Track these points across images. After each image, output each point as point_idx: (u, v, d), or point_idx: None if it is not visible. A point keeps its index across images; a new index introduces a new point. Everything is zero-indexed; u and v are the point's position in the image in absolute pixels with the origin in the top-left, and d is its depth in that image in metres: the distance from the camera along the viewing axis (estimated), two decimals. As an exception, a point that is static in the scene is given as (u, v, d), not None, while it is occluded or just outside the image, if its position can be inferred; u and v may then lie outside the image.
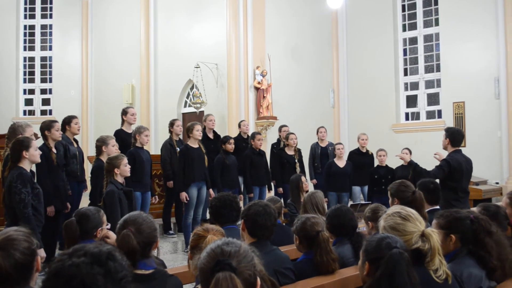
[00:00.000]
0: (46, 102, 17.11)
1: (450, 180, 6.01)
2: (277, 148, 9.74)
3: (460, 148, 6.32)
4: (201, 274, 1.75)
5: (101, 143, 6.58)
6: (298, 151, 9.36)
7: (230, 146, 8.33)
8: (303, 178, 6.88)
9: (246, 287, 1.69)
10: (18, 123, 5.99)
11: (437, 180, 5.53)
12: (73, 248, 1.50)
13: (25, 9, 17.21)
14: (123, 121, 8.19)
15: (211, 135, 8.92)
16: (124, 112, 8.21)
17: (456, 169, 6.03)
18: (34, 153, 4.87)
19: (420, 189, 4.73)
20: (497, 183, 12.13)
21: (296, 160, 9.18)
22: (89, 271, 1.42)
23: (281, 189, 9.19)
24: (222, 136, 8.87)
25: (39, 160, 5.04)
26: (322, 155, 9.95)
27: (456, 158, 6.10)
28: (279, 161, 9.26)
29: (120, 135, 7.86)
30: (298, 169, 9.05)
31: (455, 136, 6.24)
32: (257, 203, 3.57)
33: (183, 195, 7.63)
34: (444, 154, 6.36)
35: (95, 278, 1.41)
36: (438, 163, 6.22)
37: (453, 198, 5.87)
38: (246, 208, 3.56)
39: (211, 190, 7.99)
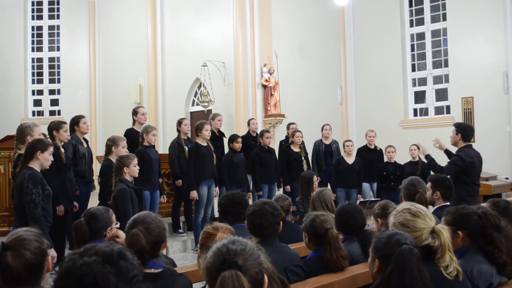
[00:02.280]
0: (54, 102, 17.20)
1: (464, 175, 5.99)
2: (285, 144, 9.72)
3: (471, 143, 6.30)
4: (208, 273, 1.75)
5: (111, 143, 6.58)
6: (304, 149, 9.33)
7: (238, 145, 8.36)
8: (315, 177, 6.83)
9: (253, 285, 1.69)
10: (26, 124, 6.01)
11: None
12: (84, 247, 1.50)
13: (33, 10, 17.29)
14: (134, 121, 8.25)
15: (216, 133, 8.93)
16: (135, 112, 8.28)
17: (470, 163, 6.02)
18: (47, 157, 4.90)
19: (435, 185, 4.73)
20: (507, 178, 12.06)
21: (303, 158, 9.15)
22: (101, 270, 1.42)
23: (288, 187, 9.17)
24: (226, 134, 8.89)
25: (47, 167, 5.06)
26: (326, 152, 9.91)
27: (468, 153, 6.09)
28: (286, 159, 9.23)
29: (132, 135, 7.92)
30: (305, 167, 9.02)
31: (467, 132, 6.22)
32: (255, 203, 3.59)
33: (194, 193, 7.65)
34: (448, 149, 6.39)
35: (107, 277, 1.41)
36: (440, 156, 6.22)
37: (467, 194, 5.84)
38: (247, 209, 3.58)
39: (217, 188, 8.00)
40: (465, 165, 5.99)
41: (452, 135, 6.29)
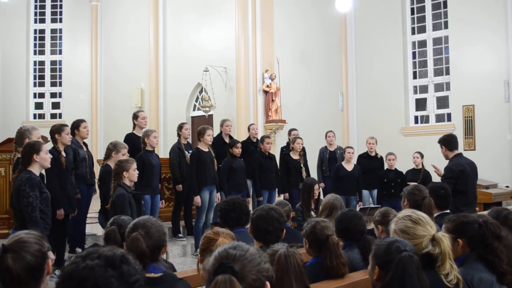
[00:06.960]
0: (56, 106, 17.23)
1: (457, 184, 5.88)
2: (286, 151, 9.71)
3: (460, 151, 6.25)
4: (208, 276, 1.76)
5: (113, 148, 6.53)
6: (303, 156, 9.31)
7: (237, 151, 8.29)
8: (316, 185, 6.76)
9: None
10: (25, 127, 6.00)
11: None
12: (87, 251, 1.51)
13: (35, 14, 17.33)
14: (134, 125, 8.25)
15: (227, 140, 8.91)
16: (135, 116, 8.28)
17: (461, 171, 5.96)
18: (44, 157, 4.87)
19: (430, 193, 4.69)
20: (507, 186, 12.04)
21: (302, 165, 9.12)
22: (103, 273, 1.43)
23: (287, 195, 9.12)
24: (227, 140, 8.86)
25: (49, 165, 5.04)
26: (330, 159, 9.92)
27: (457, 162, 6.02)
28: (285, 166, 9.20)
29: (132, 139, 7.92)
30: (304, 174, 8.98)
31: (449, 141, 6.18)
32: (261, 208, 3.59)
33: (198, 199, 7.64)
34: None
35: (109, 281, 1.42)
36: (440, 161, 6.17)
37: (462, 204, 5.76)
38: (252, 213, 3.59)
39: (218, 194, 7.99)
40: (456, 174, 5.92)
41: (442, 151, 6.27)
